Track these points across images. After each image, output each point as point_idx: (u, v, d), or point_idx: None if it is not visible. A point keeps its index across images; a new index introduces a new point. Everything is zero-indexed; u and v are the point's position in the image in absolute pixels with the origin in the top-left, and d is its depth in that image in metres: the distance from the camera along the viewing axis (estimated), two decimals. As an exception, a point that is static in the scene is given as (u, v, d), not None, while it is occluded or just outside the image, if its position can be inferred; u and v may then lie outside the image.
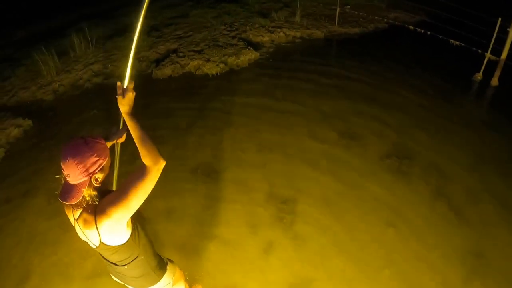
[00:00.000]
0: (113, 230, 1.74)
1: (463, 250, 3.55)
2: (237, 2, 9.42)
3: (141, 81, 6.48)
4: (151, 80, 6.55)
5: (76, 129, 5.28)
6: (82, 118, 5.53)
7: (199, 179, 4.34)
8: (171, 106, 5.67)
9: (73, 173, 1.63)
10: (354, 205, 4.00)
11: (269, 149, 4.71)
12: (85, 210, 1.75)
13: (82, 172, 1.64)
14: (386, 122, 5.21)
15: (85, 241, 1.87)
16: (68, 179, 1.65)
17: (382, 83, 6.15)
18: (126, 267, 2.00)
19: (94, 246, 1.85)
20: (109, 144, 1.96)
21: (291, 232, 3.72)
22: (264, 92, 5.91)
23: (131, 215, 1.73)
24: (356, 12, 8.54)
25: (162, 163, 1.72)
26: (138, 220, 2.00)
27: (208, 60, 6.76)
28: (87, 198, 1.72)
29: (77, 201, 1.67)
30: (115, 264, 1.99)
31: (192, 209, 3.99)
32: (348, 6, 8.88)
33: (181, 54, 7.05)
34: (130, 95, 1.78)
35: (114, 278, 2.24)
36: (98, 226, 1.70)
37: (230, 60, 6.75)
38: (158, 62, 7.00)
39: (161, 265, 2.25)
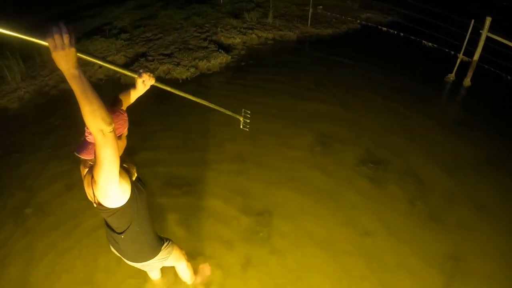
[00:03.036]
0: (104, 191, 1.80)
1: (442, 255, 3.54)
2: (208, 2, 9.19)
3: (110, 86, 6.24)
4: (120, 86, 6.27)
5: (41, 140, 4.95)
6: (48, 128, 5.20)
7: (171, 193, 4.13)
8: (139, 114, 5.40)
9: None
10: (331, 214, 3.90)
11: (242, 160, 4.54)
12: (89, 170, 1.92)
13: None
14: (359, 127, 5.14)
15: (90, 200, 2.00)
16: (89, 136, 1.81)
17: (355, 87, 6.09)
18: (122, 236, 2.13)
19: (94, 205, 1.97)
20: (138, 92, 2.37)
21: (268, 246, 3.58)
22: (235, 97, 5.70)
23: (112, 178, 1.75)
24: (328, 13, 8.48)
25: (105, 128, 1.52)
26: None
27: (178, 64, 6.52)
28: None
29: (90, 157, 1.85)
30: (114, 231, 2.13)
31: (164, 224, 3.78)
32: (321, 7, 8.82)
33: (150, 58, 6.79)
34: (65, 53, 1.44)
35: (113, 250, 2.38)
36: (92, 186, 1.84)
37: (200, 64, 6.54)
38: (126, 66, 6.71)
39: (158, 244, 2.42)
